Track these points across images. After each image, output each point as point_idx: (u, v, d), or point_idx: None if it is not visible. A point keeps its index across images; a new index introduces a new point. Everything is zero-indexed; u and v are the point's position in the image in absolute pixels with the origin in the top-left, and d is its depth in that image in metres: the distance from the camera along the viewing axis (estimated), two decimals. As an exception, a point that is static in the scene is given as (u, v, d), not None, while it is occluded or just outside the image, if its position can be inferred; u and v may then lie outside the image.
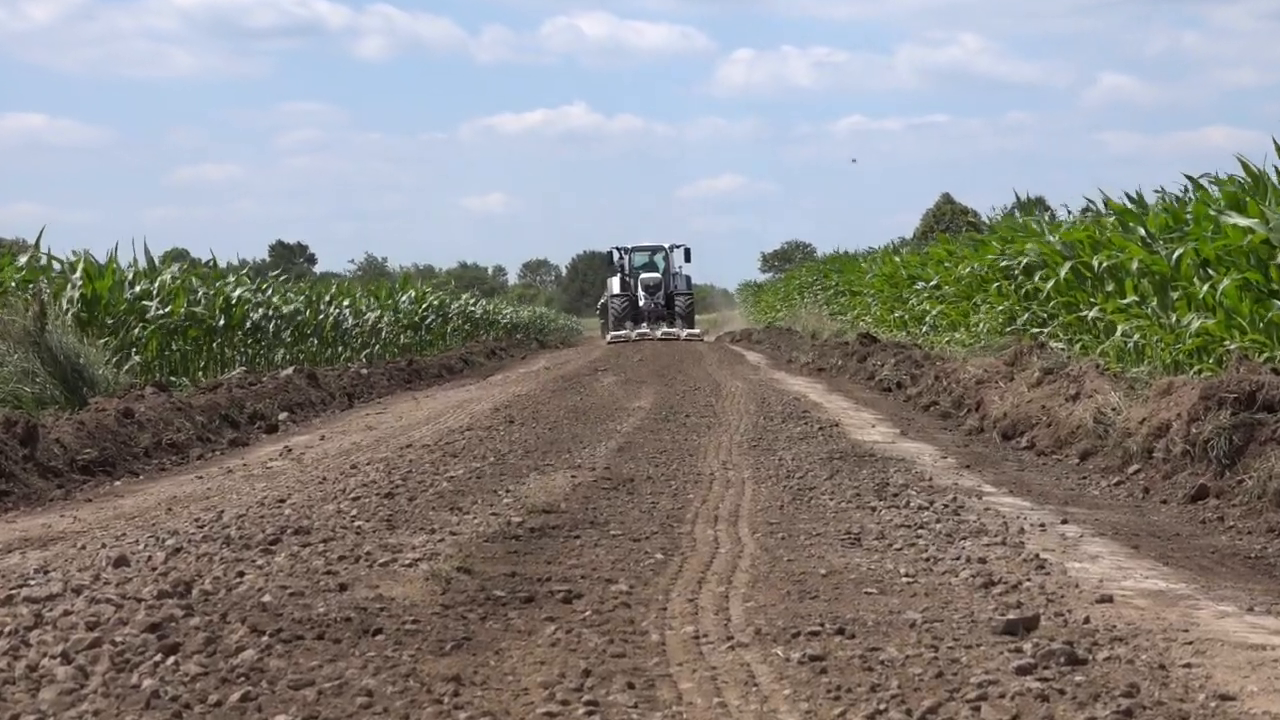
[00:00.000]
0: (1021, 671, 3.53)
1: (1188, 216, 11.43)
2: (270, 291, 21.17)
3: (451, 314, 35.36)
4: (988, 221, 21.38)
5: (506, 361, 28.17)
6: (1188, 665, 3.66)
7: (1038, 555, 5.25)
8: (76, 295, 14.53)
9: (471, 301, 40.38)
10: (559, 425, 10.80)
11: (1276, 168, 10.15)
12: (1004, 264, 16.99)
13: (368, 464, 8.29)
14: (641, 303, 37.50)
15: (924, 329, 21.73)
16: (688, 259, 39.15)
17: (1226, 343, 9.87)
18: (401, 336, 29.43)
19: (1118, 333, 12.23)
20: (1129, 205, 13.14)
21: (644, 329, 35.68)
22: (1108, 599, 4.51)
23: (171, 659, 3.57)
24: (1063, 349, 12.76)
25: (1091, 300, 13.47)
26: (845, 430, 10.45)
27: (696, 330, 36.37)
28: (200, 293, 18.07)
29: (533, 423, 11.00)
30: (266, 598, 4.25)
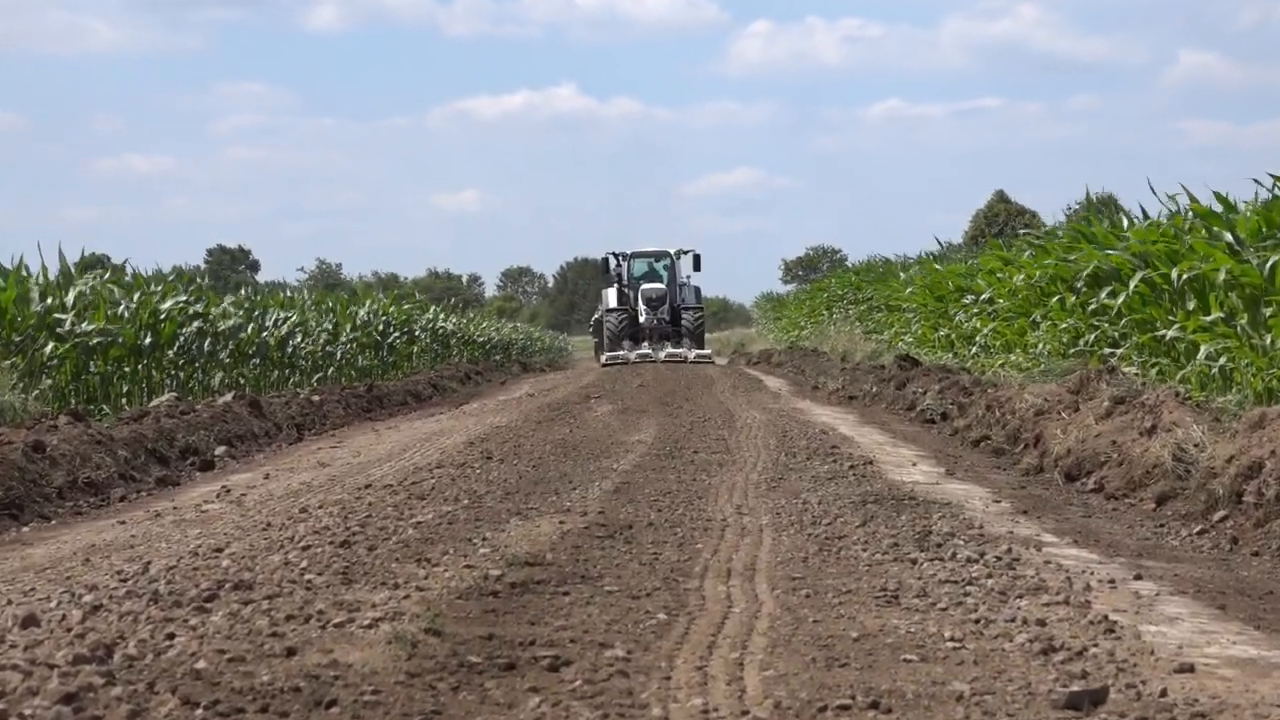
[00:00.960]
0: (1087, 753, 3.54)
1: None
2: (206, 304, 21.22)
3: (419, 331, 35.42)
4: (1051, 224, 21.40)
5: (483, 387, 28.19)
6: (1282, 746, 3.67)
7: (1106, 616, 5.27)
8: (-22, 308, 14.57)
9: (442, 316, 40.44)
10: (545, 462, 10.82)
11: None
12: (1067, 272, 17.04)
13: (320, 507, 8.30)
14: (642, 318, 37.58)
15: (973, 350, 21.77)
16: (696, 267, 39.26)
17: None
18: (360, 357, 29.47)
19: (1200, 355, 12.25)
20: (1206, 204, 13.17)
21: (645, 349, 35.73)
22: (1188, 668, 4.52)
23: (90, 735, 3.58)
24: (1136, 374, 12.78)
25: (1170, 317, 13.50)
26: (881, 469, 10.47)
27: (706, 351, 36.42)
28: (124, 305, 18.11)
29: (514, 459, 11.02)
30: (201, 664, 4.27)
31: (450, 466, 10.53)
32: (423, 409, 20.59)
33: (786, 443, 12.42)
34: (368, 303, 31.89)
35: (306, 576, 5.89)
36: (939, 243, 34.10)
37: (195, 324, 20.32)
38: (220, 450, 13.06)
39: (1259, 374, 11.10)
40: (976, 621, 5.17)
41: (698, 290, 39.52)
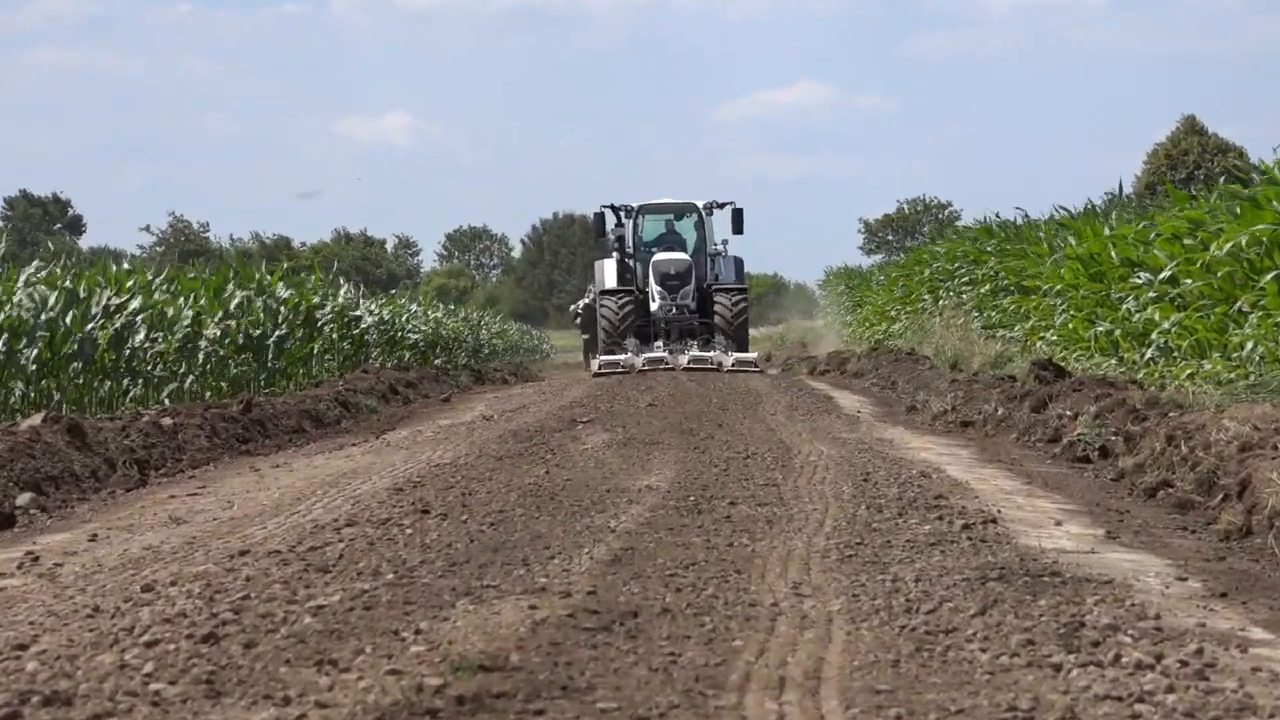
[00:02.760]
0: None
1: None
2: (2, 278, 21.25)
3: (321, 323, 35.47)
4: (1265, 164, 21.35)
5: (416, 406, 28.17)
6: None
7: (1344, 750, 5.27)
8: None
9: (356, 301, 40.49)
10: (508, 518, 10.84)
11: None
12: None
13: (173, 584, 8.31)
14: (655, 305, 37.53)
15: (1147, 354, 21.75)
16: (738, 228, 39.08)
17: None
18: (233, 362, 29.50)
19: None
20: None
21: (658, 351, 35.70)
22: None
23: None
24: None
25: None
26: (1009, 530, 10.47)
27: (751, 354, 36.40)
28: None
29: (462, 514, 11.04)
30: (-4, 815, 4.27)
31: (367, 524, 10.53)
32: (326, 438, 20.58)
33: (869, 490, 12.42)
34: (246, 281, 31.91)
35: (153, 686, 5.89)
36: (1108, 200, 34.08)
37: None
38: (24, 499, 13.05)
39: None
40: (1150, 757, 5.17)
41: (739, 264, 39.38)
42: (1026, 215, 38.89)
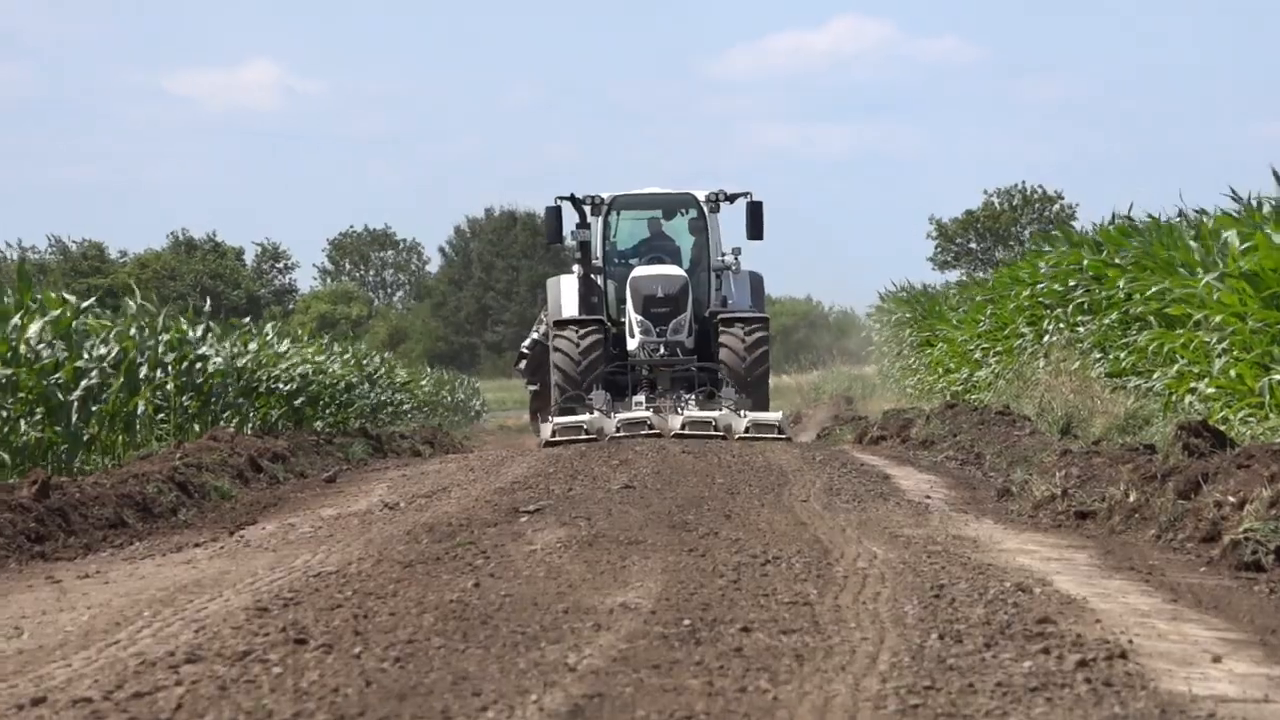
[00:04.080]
0: None
1: None
2: None
3: (148, 369, 35.44)
4: None
5: (289, 489, 28.13)
6: None
7: None
8: None
9: (200, 335, 40.47)
10: (421, 652, 10.87)
11: None
12: None
13: (-64, 748, 8.35)
14: (634, 341, 37.45)
15: (1347, 414, 21.82)
16: (755, 231, 38.78)
17: None
18: (24, 424, 29.48)
19: None
20: None
21: (638, 410, 35.63)
22: None
23: None
24: None
25: None
26: (1145, 669, 10.51)
27: (772, 415, 36.31)
28: None
29: (354, 644, 11.07)
30: None
31: (218, 659, 10.56)
32: (158, 535, 20.56)
33: (943, 611, 12.47)
34: (43, 312, 31.90)
35: None
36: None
37: None
38: None
39: None
40: None
41: (756, 282, 39.23)
42: (1182, 211, 38.80)
